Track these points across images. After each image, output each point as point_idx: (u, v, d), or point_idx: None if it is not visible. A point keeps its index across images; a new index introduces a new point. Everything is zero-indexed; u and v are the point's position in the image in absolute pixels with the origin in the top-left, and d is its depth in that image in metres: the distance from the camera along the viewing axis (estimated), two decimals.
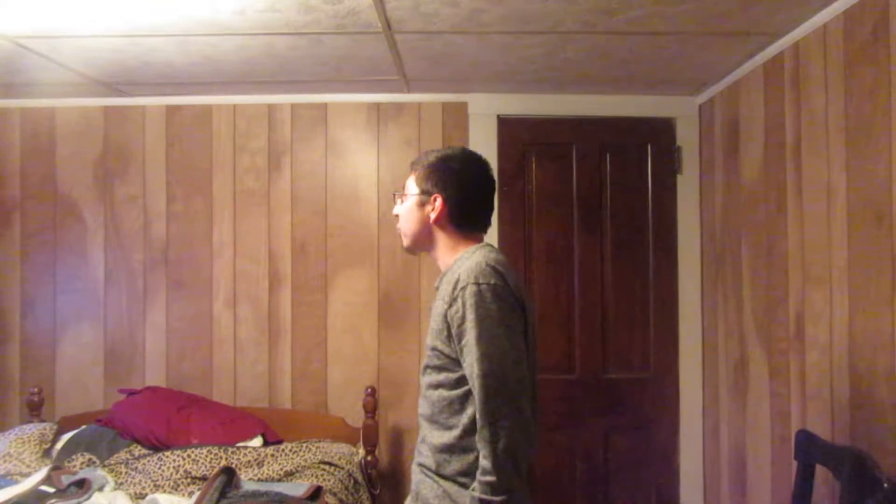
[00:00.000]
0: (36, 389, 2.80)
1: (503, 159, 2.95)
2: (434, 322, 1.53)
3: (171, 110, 2.99)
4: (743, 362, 2.53)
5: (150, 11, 2.00)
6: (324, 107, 2.98)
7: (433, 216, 1.59)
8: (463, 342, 1.44)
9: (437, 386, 1.52)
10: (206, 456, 2.37)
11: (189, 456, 2.36)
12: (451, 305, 1.47)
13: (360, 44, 2.30)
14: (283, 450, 2.47)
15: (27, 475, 2.32)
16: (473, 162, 1.63)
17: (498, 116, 2.96)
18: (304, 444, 2.51)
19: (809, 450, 1.81)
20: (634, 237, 2.98)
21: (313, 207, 2.96)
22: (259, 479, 2.35)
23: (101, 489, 2.20)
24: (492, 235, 2.92)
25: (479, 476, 1.40)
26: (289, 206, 2.95)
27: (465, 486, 1.45)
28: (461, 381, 1.48)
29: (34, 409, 2.79)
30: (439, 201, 1.57)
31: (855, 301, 1.85)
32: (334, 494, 2.25)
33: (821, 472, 1.78)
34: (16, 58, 2.41)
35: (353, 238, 2.95)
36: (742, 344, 2.54)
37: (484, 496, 1.37)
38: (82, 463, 2.43)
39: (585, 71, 2.61)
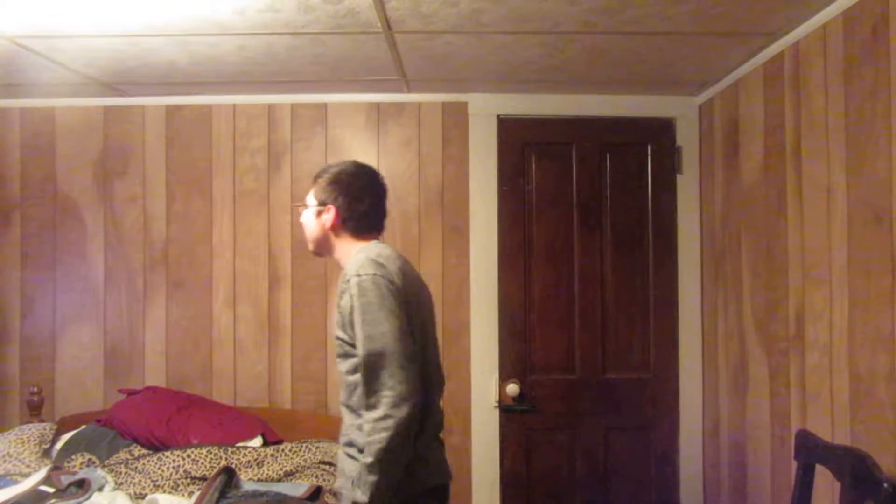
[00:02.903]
0: (36, 389, 2.80)
1: (503, 159, 2.95)
2: (336, 315, 1.75)
3: (171, 110, 2.99)
4: (743, 362, 2.53)
5: (151, 11, 2.00)
6: (324, 107, 2.98)
7: (328, 223, 1.82)
8: (354, 329, 1.65)
9: (347, 372, 1.72)
10: (206, 456, 2.37)
11: (189, 456, 2.36)
12: (341, 297, 1.71)
13: (359, 44, 2.30)
14: (282, 450, 2.47)
15: (27, 475, 2.32)
16: (362, 174, 1.86)
17: (498, 116, 2.96)
18: (304, 444, 2.51)
19: (809, 450, 1.80)
20: (634, 237, 2.98)
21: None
22: (259, 479, 2.35)
23: (100, 489, 2.20)
24: (492, 235, 2.92)
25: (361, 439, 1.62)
26: (289, 206, 2.95)
27: None
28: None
29: (34, 409, 2.79)
30: (332, 211, 1.81)
31: (855, 301, 1.85)
32: (334, 494, 2.25)
33: (821, 472, 1.78)
34: (16, 58, 2.41)
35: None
36: (742, 344, 2.54)
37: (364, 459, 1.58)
38: (82, 463, 2.43)
39: (585, 71, 2.61)
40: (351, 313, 1.66)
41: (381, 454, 1.56)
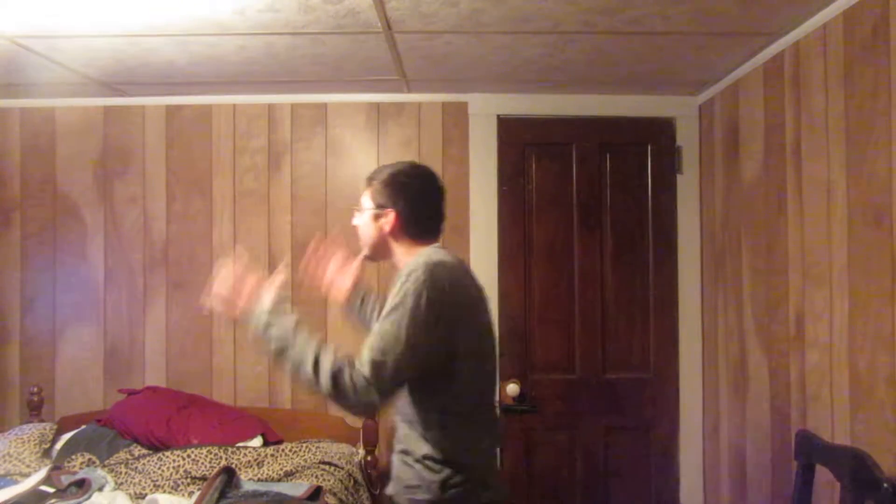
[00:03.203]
0: (36, 389, 2.80)
1: (503, 159, 2.95)
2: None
3: (171, 110, 2.99)
4: (743, 362, 2.53)
5: (150, 11, 2.00)
6: (324, 107, 2.98)
7: (387, 228, 1.72)
8: (384, 312, 1.54)
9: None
10: (206, 456, 2.37)
11: (189, 456, 2.36)
12: (394, 297, 1.56)
13: (359, 44, 2.30)
14: (283, 450, 2.47)
15: (27, 475, 2.32)
16: (421, 176, 1.77)
17: (498, 116, 2.96)
18: (304, 444, 2.51)
19: (809, 450, 1.81)
20: (634, 237, 2.98)
21: (313, 207, 2.96)
22: (259, 479, 2.35)
23: (100, 489, 2.20)
24: (492, 235, 2.92)
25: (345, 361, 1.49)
26: (289, 206, 2.95)
27: (431, 469, 1.59)
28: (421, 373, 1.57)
29: (34, 409, 2.79)
30: (392, 215, 1.71)
31: (855, 301, 1.85)
32: (334, 494, 2.25)
33: (821, 472, 1.78)
34: (16, 58, 2.41)
35: (353, 238, 2.94)
36: (742, 344, 2.54)
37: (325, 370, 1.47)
38: (82, 463, 2.43)
39: (585, 71, 2.61)
40: (395, 308, 1.53)
41: (332, 380, 1.46)
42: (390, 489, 1.73)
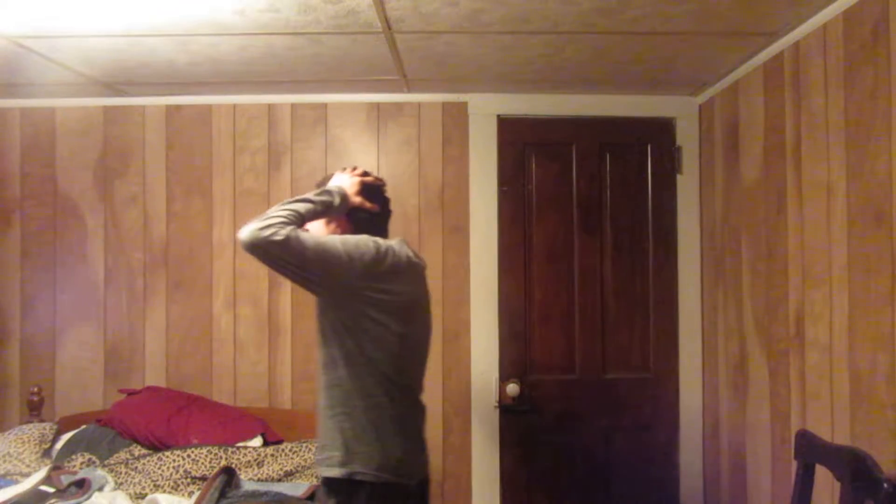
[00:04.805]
0: (36, 389, 2.80)
1: (503, 159, 2.95)
2: None
3: (171, 110, 2.99)
4: (743, 362, 2.53)
5: (151, 11, 2.00)
6: (324, 107, 2.98)
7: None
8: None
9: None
10: (206, 456, 2.37)
11: (189, 456, 2.36)
12: None
13: (359, 44, 2.30)
14: (283, 450, 2.47)
15: (27, 475, 2.32)
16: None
17: (498, 116, 2.96)
18: (304, 444, 2.51)
19: (809, 450, 1.80)
20: (634, 237, 2.98)
21: None
22: (259, 479, 2.35)
23: (100, 489, 2.20)
24: (492, 235, 2.93)
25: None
26: None
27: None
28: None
29: (34, 409, 2.79)
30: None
31: (855, 301, 1.85)
32: None
33: (821, 472, 1.78)
34: (16, 58, 2.41)
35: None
36: (742, 344, 2.54)
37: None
38: (82, 463, 2.43)
39: (585, 71, 2.61)
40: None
41: (273, 217, 1.63)
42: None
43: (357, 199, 1.87)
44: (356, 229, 1.85)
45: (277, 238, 1.59)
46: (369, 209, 1.89)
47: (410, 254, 1.88)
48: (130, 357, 2.96)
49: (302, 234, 1.65)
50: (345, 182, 1.88)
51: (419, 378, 1.93)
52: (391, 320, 1.76)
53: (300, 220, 1.69)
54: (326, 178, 1.95)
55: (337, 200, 1.80)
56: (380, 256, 1.74)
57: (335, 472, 1.73)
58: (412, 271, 1.87)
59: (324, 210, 1.78)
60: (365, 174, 1.94)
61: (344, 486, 1.73)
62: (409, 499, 1.80)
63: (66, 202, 2.99)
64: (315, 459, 1.82)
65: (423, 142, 2.96)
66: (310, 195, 1.77)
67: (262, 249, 1.61)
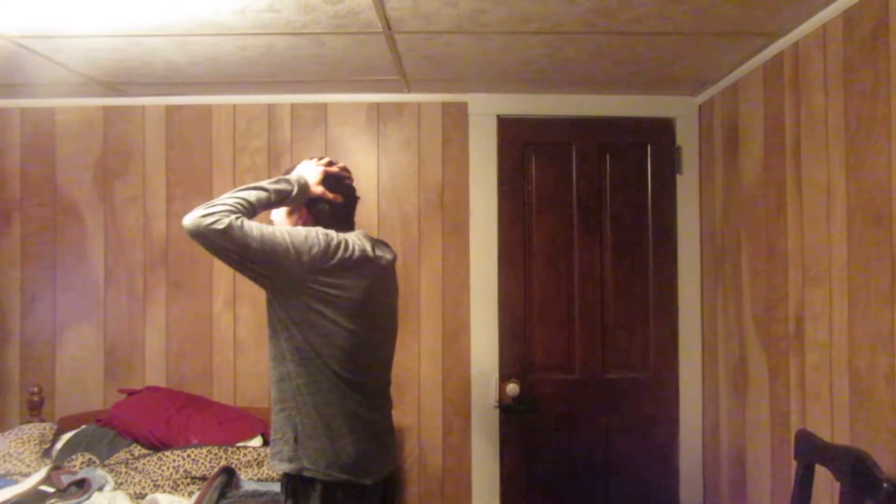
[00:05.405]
0: (36, 389, 2.80)
1: (503, 159, 2.95)
2: None
3: (171, 110, 2.99)
4: (743, 362, 2.53)
5: (151, 11, 2.00)
6: (324, 107, 2.98)
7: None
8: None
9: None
10: (206, 456, 2.37)
11: (189, 456, 2.36)
12: None
13: (360, 44, 2.30)
14: None
15: (27, 475, 2.32)
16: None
17: (498, 116, 2.96)
18: None
19: (809, 450, 1.81)
20: (634, 237, 2.98)
21: None
22: (259, 479, 2.35)
23: (100, 489, 2.20)
24: (492, 235, 2.93)
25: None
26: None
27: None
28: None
29: (34, 409, 2.79)
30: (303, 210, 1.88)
31: (855, 301, 1.85)
32: None
33: (821, 472, 1.78)
34: (16, 58, 2.41)
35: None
36: (742, 344, 2.54)
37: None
38: (82, 463, 2.43)
39: (585, 71, 2.61)
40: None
41: (219, 205, 1.65)
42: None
43: (318, 189, 1.83)
44: (317, 220, 1.83)
45: (219, 227, 1.58)
46: (331, 199, 1.85)
47: (367, 248, 1.82)
48: (130, 357, 2.96)
49: (247, 224, 1.62)
50: (308, 171, 1.85)
51: (378, 375, 1.88)
52: (340, 316, 1.73)
53: (249, 208, 1.67)
54: (291, 168, 1.92)
55: (295, 189, 1.77)
56: (329, 250, 1.70)
57: (284, 467, 1.72)
58: (367, 266, 1.81)
59: (278, 199, 1.75)
60: (330, 164, 1.91)
61: (297, 483, 1.71)
62: (366, 499, 1.77)
63: (66, 202, 2.99)
64: (268, 454, 1.78)
65: (422, 142, 2.96)
66: (264, 183, 1.74)
67: (203, 237, 1.59)
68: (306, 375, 1.72)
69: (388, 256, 1.93)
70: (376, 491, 1.81)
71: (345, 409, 1.74)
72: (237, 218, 1.61)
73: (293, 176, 1.81)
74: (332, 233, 1.76)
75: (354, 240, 1.80)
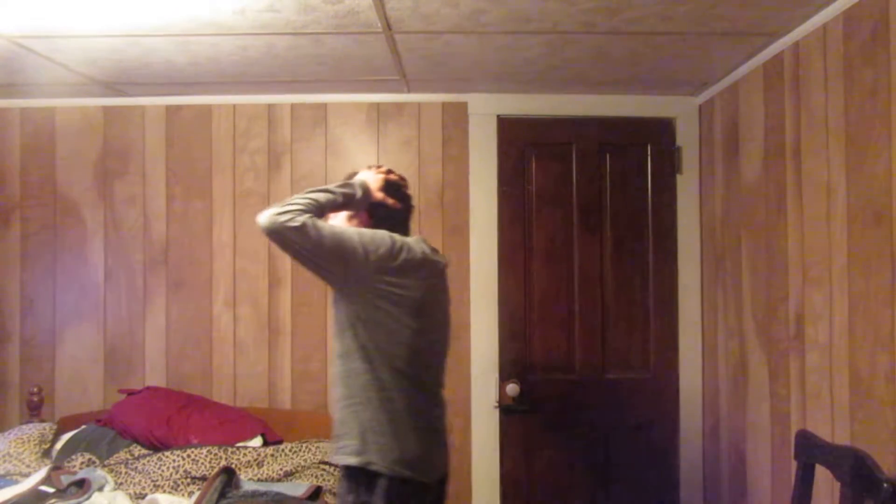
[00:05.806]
0: (36, 389, 2.80)
1: (503, 159, 2.95)
2: None
3: (171, 110, 2.99)
4: (743, 362, 2.53)
5: (151, 11, 2.00)
6: (323, 107, 2.98)
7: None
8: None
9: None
10: (206, 456, 2.37)
11: (189, 456, 2.36)
12: None
13: (359, 44, 2.30)
14: (282, 450, 2.48)
15: (27, 475, 2.32)
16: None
17: (498, 116, 2.96)
18: (304, 444, 2.51)
19: (809, 450, 1.80)
20: (634, 237, 2.98)
21: None
22: (259, 479, 2.35)
23: (100, 489, 2.20)
24: (492, 235, 2.93)
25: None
26: None
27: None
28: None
29: (34, 409, 2.79)
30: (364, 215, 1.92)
31: (855, 301, 1.85)
32: (334, 494, 2.25)
33: (821, 472, 1.78)
34: (16, 58, 2.41)
35: None
36: (742, 344, 2.54)
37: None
38: (82, 463, 2.43)
39: (585, 71, 2.61)
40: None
41: (294, 204, 1.68)
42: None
43: (379, 195, 1.89)
44: (376, 225, 1.87)
45: (294, 224, 1.63)
46: (390, 206, 1.91)
47: (427, 251, 1.89)
48: (130, 357, 2.96)
49: (319, 223, 1.68)
50: (369, 178, 1.91)
51: (437, 374, 1.94)
52: (403, 314, 1.78)
53: (320, 209, 1.72)
54: (352, 174, 1.97)
55: (359, 193, 1.84)
56: (394, 251, 1.76)
57: (351, 461, 1.74)
58: (428, 268, 1.88)
59: (345, 202, 1.81)
60: (389, 172, 1.97)
61: (362, 476, 1.72)
62: (426, 497, 1.80)
63: (66, 202, 2.99)
64: (332, 451, 1.82)
65: (423, 142, 2.96)
66: (331, 186, 1.80)
67: (279, 234, 1.64)
68: (371, 372, 1.76)
69: (443, 261, 1.98)
70: (434, 490, 1.85)
71: (408, 407, 1.78)
72: (310, 217, 1.67)
73: (355, 180, 1.87)
74: (396, 235, 1.82)
75: (414, 243, 1.86)
